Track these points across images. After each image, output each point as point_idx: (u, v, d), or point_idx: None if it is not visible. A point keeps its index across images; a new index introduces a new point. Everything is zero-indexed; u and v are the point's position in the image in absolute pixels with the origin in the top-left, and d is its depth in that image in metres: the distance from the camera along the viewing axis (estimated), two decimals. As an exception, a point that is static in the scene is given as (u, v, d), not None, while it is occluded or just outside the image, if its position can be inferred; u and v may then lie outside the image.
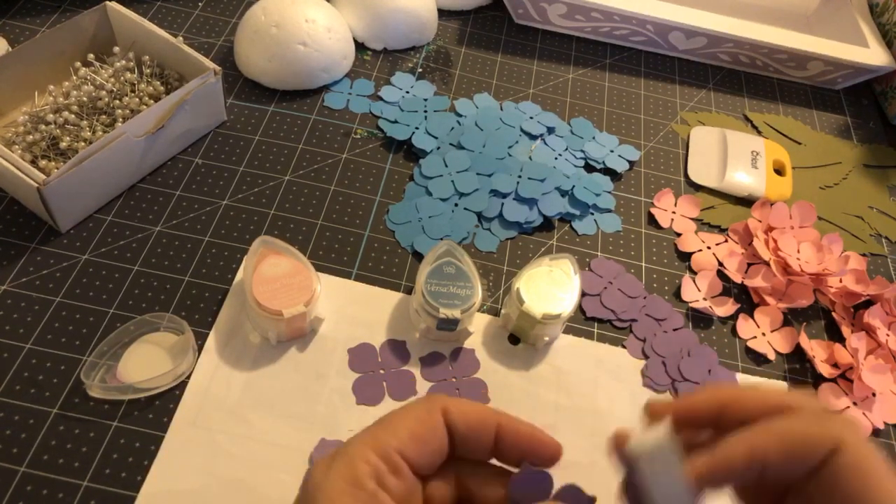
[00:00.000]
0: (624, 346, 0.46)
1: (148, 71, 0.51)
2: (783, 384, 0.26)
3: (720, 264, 0.51)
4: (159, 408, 0.39)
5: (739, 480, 0.24)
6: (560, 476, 0.40)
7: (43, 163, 0.46)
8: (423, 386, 0.42)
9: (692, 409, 0.26)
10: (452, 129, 0.56)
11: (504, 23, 0.67)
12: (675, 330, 0.47)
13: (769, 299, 0.49)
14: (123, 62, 0.50)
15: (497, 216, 0.51)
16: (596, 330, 0.47)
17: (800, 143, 0.63)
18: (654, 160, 0.58)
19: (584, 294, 0.48)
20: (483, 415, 0.25)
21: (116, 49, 0.51)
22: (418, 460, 0.24)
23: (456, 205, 0.51)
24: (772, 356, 0.47)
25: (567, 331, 0.46)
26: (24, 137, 0.46)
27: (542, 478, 0.24)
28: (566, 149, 0.56)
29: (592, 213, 0.53)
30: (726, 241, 0.53)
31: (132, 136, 0.45)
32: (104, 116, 0.48)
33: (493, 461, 0.26)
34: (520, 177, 0.52)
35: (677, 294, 0.50)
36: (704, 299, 0.49)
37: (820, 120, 0.66)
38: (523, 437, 0.25)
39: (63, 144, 0.46)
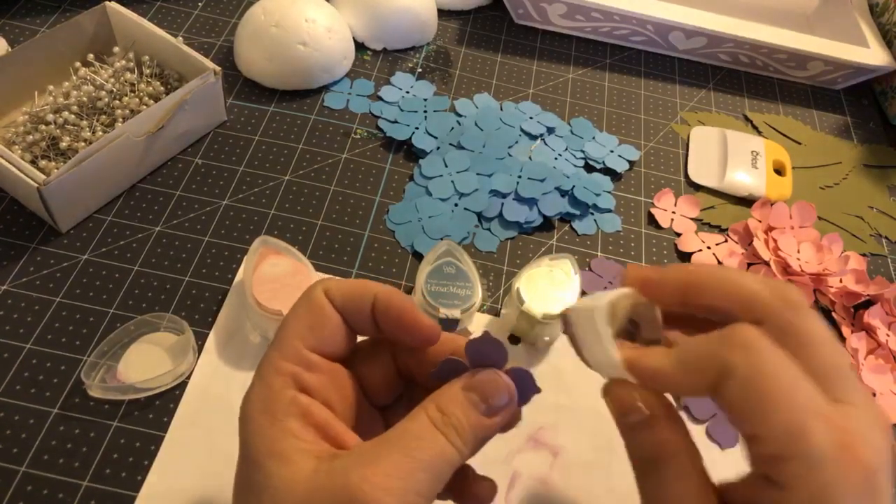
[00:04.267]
0: (624, 346, 0.46)
1: (148, 71, 0.51)
2: (762, 279, 0.24)
3: (720, 264, 0.51)
4: (159, 408, 0.39)
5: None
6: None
7: (43, 163, 0.46)
8: (423, 386, 0.42)
9: (660, 284, 0.25)
10: (452, 129, 0.56)
11: (504, 23, 0.67)
12: (675, 330, 0.47)
13: (769, 299, 0.49)
14: (123, 62, 0.50)
15: (497, 216, 0.51)
16: (596, 330, 0.47)
17: (800, 143, 0.63)
18: (654, 160, 0.58)
19: (584, 294, 0.48)
20: (360, 287, 0.25)
21: (116, 49, 0.51)
22: (325, 346, 0.25)
23: (456, 205, 0.51)
24: (772, 356, 0.47)
25: (567, 331, 0.46)
26: (24, 137, 0.46)
27: (460, 364, 0.25)
28: (566, 149, 0.56)
29: (592, 213, 0.53)
30: (726, 241, 0.53)
31: (132, 136, 0.45)
32: (104, 116, 0.48)
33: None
34: (520, 177, 0.52)
35: (677, 294, 0.50)
36: (704, 299, 0.49)
37: (820, 120, 0.66)
38: (394, 307, 0.25)
39: (63, 144, 0.46)
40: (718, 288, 0.24)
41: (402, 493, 0.20)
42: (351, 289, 0.25)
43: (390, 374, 0.27)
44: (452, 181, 0.52)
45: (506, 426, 0.25)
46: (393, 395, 0.28)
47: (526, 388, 0.25)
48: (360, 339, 0.27)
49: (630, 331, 0.25)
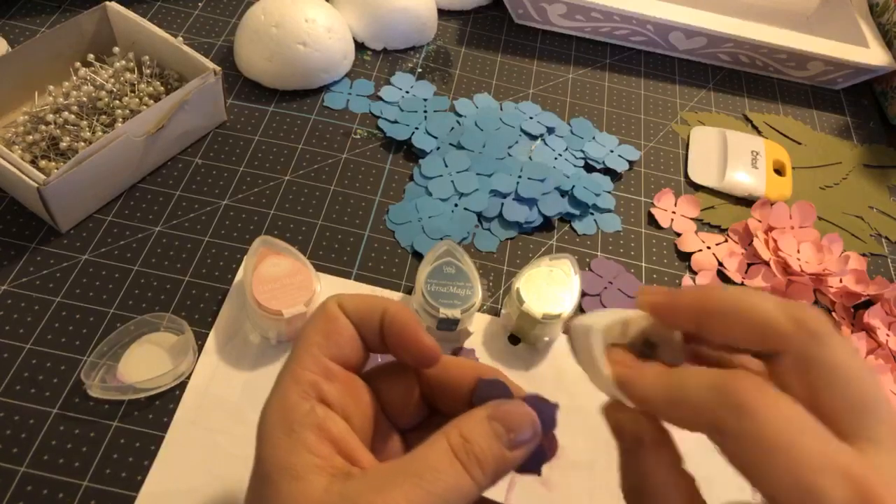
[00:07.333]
0: (624, 346, 0.46)
1: (148, 71, 0.51)
2: (785, 306, 0.22)
3: (720, 264, 0.51)
4: (159, 408, 0.39)
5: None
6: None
7: (43, 163, 0.46)
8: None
9: (672, 308, 0.24)
10: (452, 129, 0.56)
11: (504, 23, 0.67)
12: (675, 330, 0.47)
13: (769, 299, 0.49)
14: (123, 62, 0.50)
15: (497, 216, 0.51)
16: (596, 330, 0.47)
17: (800, 143, 0.63)
18: (654, 160, 0.58)
19: (584, 294, 0.48)
20: (371, 301, 0.25)
21: (116, 49, 0.51)
22: (342, 354, 0.24)
23: (456, 205, 0.51)
24: (772, 356, 0.47)
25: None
26: (24, 137, 0.46)
27: (501, 385, 0.25)
28: (566, 149, 0.56)
29: (592, 213, 0.53)
30: (726, 241, 0.53)
31: (132, 136, 0.45)
32: (104, 116, 0.48)
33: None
34: (520, 177, 0.52)
35: (677, 294, 0.50)
36: (704, 299, 0.49)
37: (820, 120, 0.66)
38: (398, 321, 0.25)
39: (63, 145, 0.46)
40: (733, 315, 0.22)
41: None
42: (362, 302, 0.25)
43: (412, 395, 0.26)
44: (452, 181, 0.52)
45: (551, 454, 0.25)
46: (415, 418, 0.27)
47: (546, 421, 0.24)
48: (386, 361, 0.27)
49: (646, 353, 0.24)
